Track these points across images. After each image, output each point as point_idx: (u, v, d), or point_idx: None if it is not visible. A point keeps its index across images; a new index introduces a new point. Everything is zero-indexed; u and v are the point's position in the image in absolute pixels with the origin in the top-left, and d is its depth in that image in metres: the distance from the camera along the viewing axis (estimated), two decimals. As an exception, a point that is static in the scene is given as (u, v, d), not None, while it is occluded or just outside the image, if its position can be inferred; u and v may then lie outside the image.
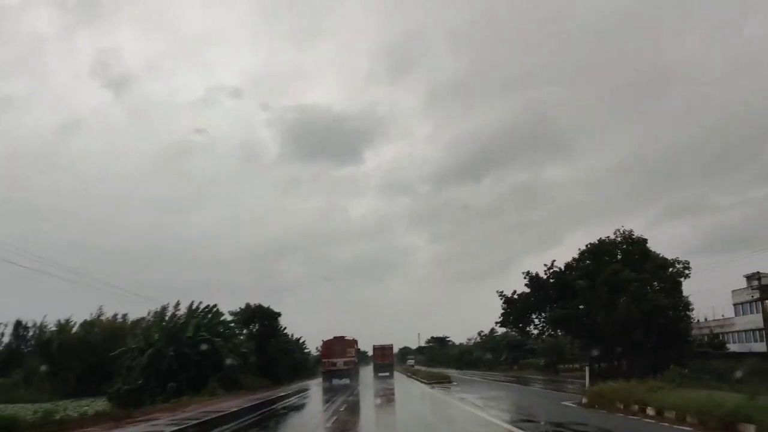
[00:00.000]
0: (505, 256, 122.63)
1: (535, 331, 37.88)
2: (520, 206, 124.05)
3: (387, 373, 63.66)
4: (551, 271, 35.34)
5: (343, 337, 52.52)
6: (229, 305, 52.57)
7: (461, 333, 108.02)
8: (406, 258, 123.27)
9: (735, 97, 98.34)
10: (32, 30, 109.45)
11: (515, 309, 36.05)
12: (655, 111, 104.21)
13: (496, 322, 38.41)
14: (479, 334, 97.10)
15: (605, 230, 33.14)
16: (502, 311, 36.51)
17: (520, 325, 37.27)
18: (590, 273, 33.07)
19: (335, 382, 48.83)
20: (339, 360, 50.54)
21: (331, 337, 52.57)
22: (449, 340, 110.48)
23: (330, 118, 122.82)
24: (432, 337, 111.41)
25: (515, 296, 36.30)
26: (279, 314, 57.83)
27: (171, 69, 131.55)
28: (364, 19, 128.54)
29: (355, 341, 54.21)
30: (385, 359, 67.22)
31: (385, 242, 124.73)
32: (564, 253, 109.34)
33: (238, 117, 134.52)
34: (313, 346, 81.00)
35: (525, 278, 35.64)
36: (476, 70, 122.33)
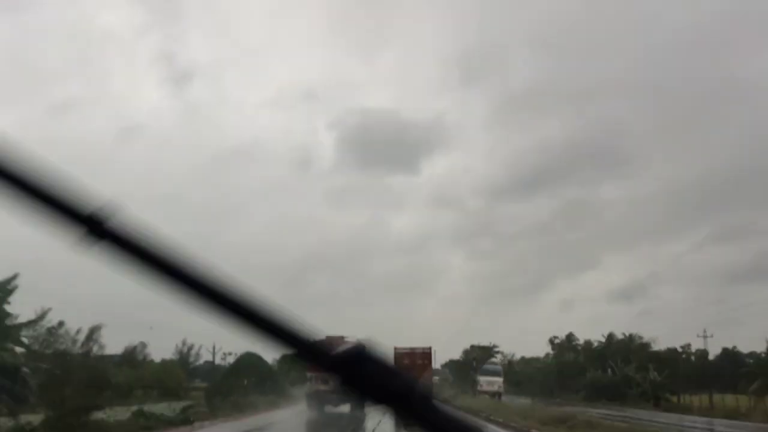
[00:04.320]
0: (544, 275, 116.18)
1: None
2: (569, 225, 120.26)
3: None
4: None
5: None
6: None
7: (507, 345, 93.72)
8: (442, 273, 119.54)
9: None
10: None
11: None
12: (718, 132, 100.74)
13: None
14: (551, 341, 76.35)
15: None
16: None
17: None
18: None
19: None
20: None
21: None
22: (498, 351, 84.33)
23: (396, 123, 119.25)
24: (472, 346, 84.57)
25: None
26: None
27: (232, 73, 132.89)
28: (438, 26, 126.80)
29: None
30: (418, 373, 38.57)
31: (425, 257, 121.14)
32: (598, 277, 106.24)
33: (296, 122, 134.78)
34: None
35: None
36: (548, 80, 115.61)
